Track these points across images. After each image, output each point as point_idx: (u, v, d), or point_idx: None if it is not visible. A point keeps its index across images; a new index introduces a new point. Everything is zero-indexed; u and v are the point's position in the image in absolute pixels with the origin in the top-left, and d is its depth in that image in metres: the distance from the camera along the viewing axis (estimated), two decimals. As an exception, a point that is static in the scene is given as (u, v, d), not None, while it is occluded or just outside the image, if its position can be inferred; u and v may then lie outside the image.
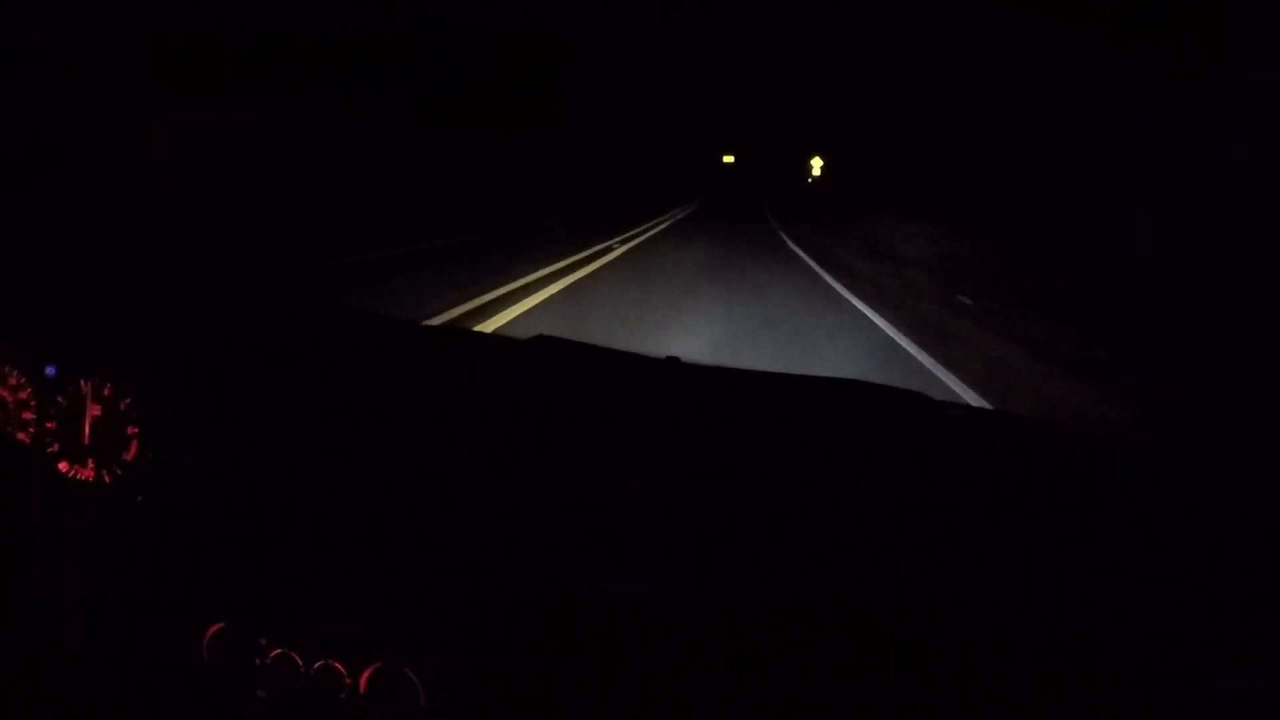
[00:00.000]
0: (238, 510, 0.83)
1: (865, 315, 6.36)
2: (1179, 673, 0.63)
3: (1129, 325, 5.99)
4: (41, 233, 6.15)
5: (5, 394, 0.94)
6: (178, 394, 0.89)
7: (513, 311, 5.13)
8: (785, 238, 14.65)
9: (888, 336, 5.52)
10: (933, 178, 15.96)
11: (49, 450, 0.91)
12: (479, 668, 0.73)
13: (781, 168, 50.42)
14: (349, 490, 0.81)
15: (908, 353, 5.01)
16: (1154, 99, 8.33)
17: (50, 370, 0.92)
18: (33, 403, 0.93)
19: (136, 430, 0.88)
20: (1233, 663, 0.63)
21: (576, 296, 6.00)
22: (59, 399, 0.91)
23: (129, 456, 0.88)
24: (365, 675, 0.74)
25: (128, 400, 0.89)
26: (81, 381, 0.91)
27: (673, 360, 0.99)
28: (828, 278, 8.80)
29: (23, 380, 0.94)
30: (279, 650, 0.76)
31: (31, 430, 0.93)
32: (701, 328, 5.18)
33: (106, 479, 0.89)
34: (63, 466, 0.91)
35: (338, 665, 0.75)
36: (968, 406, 1.20)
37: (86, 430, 0.90)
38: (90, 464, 0.90)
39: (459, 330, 1.25)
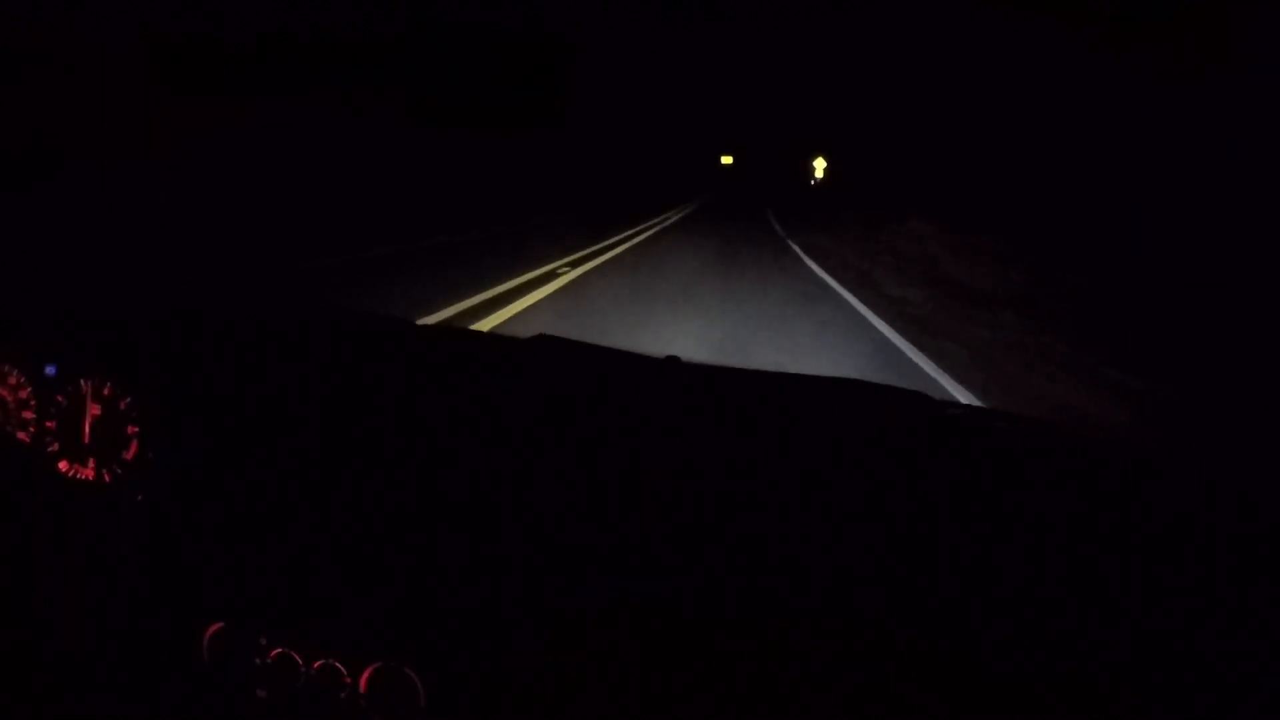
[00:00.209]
0: (238, 510, 0.83)
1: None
2: (1179, 673, 0.63)
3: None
4: (41, 233, 6.17)
5: (5, 394, 0.94)
6: (178, 394, 0.89)
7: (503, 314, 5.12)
8: (802, 255, 10.74)
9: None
10: (948, 178, 13.61)
11: (49, 450, 0.91)
12: (479, 668, 0.73)
13: (781, 168, 50.36)
14: (349, 490, 0.81)
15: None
16: (1154, 99, 8.32)
17: (50, 370, 0.92)
18: (33, 403, 0.93)
19: (136, 430, 0.88)
20: (1233, 663, 0.63)
21: (575, 300, 5.99)
22: (59, 399, 0.91)
23: (129, 456, 0.88)
24: (365, 675, 0.74)
25: (128, 400, 0.89)
26: (81, 381, 0.91)
27: (673, 360, 0.99)
28: (880, 326, 5.68)
29: (23, 380, 0.94)
30: (279, 650, 0.76)
31: (31, 430, 0.93)
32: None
33: (106, 479, 0.89)
34: (63, 466, 0.91)
35: (338, 665, 0.75)
36: (967, 406, 1.20)
37: (86, 430, 0.90)
38: (90, 464, 0.90)
39: (459, 330, 1.25)
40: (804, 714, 0.68)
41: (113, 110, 8.75)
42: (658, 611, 0.72)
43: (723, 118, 72.55)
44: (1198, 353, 4.87)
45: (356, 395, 0.86)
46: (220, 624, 0.79)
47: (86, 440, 0.90)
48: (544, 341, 1.03)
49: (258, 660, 0.77)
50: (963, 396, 3.91)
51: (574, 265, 7.61)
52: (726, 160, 58.06)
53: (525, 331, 1.07)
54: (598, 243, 9.83)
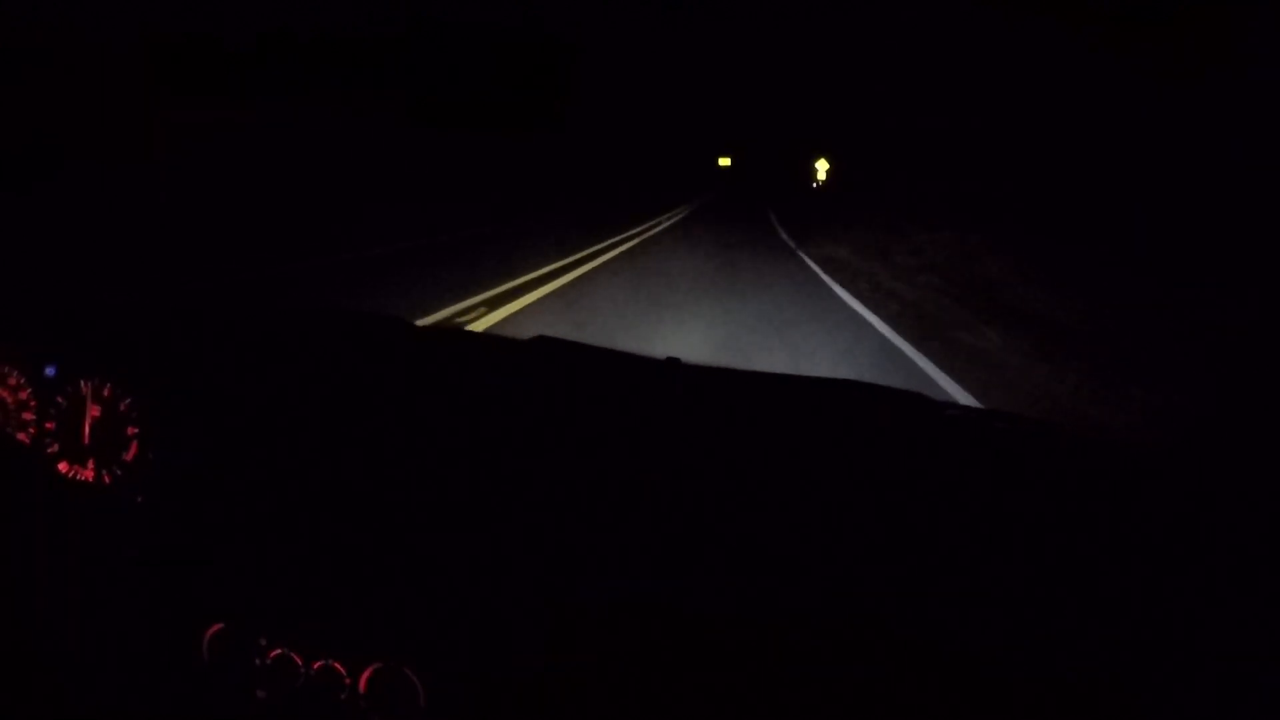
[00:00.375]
0: (237, 511, 0.83)
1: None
2: (1179, 673, 0.63)
3: None
4: (41, 233, 6.16)
5: (5, 394, 0.94)
6: (178, 394, 0.89)
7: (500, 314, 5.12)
8: (821, 273, 8.42)
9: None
10: (947, 178, 12.19)
11: (49, 450, 0.91)
12: (479, 668, 0.73)
13: (781, 168, 50.28)
14: (348, 490, 0.81)
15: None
16: (1154, 99, 8.31)
17: (50, 370, 0.92)
18: (33, 403, 0.93)
19: (136, 430, 0.88)
20: (1232, 663, 0.63)
21: (575, 302, 5.99)
22: (59, 399, 0.92)
23: (129, 456, 0.88)
24: (365, 675, 0.74)
25: (128, 400, 0.89)
26: (81, 381, 0.91)
27: (673, 361, 0.99)
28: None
29: (23, 380, 0.94)
30: (279, 650, 0.76)
31: (31, 430, 0.93)
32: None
33: (106, 479, 0.89)
34: (63, 466, 0.91)
35: (338, 665, 0.75)
36: (966, 407, 1.20)
37: (86, 430, 0.90)
38: (90, 464, 0.90)
39: (459, 330, 1.25)
40: (804, 714, 0.68)
41: (113, 110, 8.76)
42: (658, 611, 0.72)
43: (722, 118, 72.66)
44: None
45: (356, 396, 0.86)
46: (220, 624, 0.79)
47: (86, 441, 0.90)
48: (543, 342, 1.03)
49: (257, 661, 0.77)
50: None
51: (574, 265, 7.61)
52: (725, 161, 57.95)
53: (525, 332, 1.07)
54: (597, 243, 9.83)
